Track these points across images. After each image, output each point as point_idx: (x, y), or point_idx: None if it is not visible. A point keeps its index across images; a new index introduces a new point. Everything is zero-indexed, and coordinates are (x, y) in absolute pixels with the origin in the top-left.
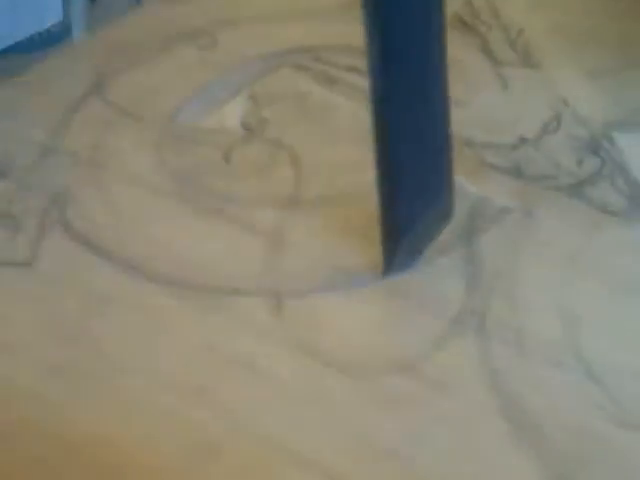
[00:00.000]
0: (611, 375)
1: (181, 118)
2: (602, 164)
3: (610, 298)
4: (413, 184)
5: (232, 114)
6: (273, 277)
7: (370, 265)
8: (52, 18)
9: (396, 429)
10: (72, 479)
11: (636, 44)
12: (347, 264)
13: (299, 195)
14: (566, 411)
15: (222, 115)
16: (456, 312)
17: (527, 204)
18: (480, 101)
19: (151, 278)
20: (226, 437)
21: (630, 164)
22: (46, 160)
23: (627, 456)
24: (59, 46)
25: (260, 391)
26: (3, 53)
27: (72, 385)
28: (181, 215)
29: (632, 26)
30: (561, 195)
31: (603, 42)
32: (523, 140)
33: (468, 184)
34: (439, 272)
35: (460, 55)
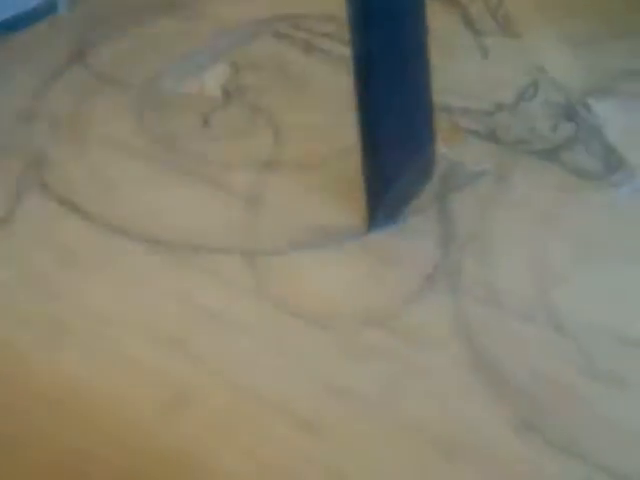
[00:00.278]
0: (580, 330)
1: (162, 85)
2: (577, 130)
3: (581, 257)
4: (396, 138)
5: (212, 80)
6: (249, 235)
7: (346, 225)
8: None
9: (366, 379)
10: (39, 425)
11: (614, 15)
12: (323, 224)
13: (277, 158)
14: (536, 363)
15: (202, 81)
16: (430, 269)
17: (502, 168)
18: (458, 69)
19: (128, 236)
20: (198, 386)
21: (605, 129)
22: (26, 125)
23: (592, 405)
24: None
25: (232, 342)
26: None
27: (43, 336)
28: (160, 177)
29: None
30: (536, 159)
31: (582, 13)
32: (500, 106)
33: (444, 148)
34: (414, 231)
35: (441, 25)
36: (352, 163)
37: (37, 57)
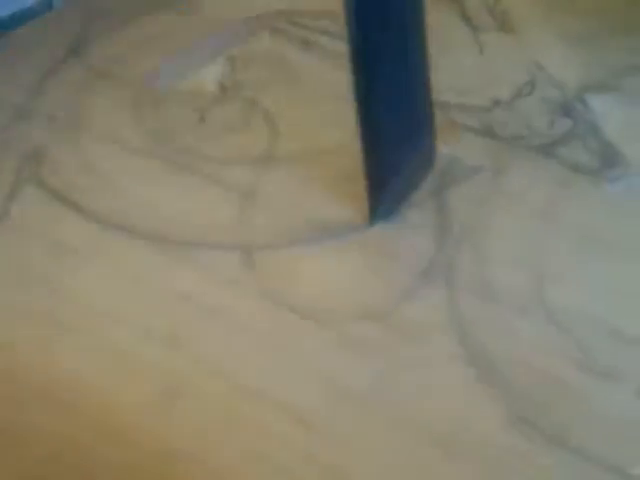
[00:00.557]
0: (577, 325)
1: (159, 80)
2: (574, 125)
3: (577, 252)
4: (396, 130)
5: (209, 76)
6: (245, 231)
7: (343, 219)
8: None
9: (362, 374)
10: (37, 421)
11: (612, 11)
12: (320, 219)
13: (273, 153)
14: (531, 358)
15: (199, 77)
16: (426, 264)
17: (498, 163)
18: (455, 64)
19: (126, 231)
20: (196, 382)
21: (602, 125)
22: (22, 120)
23: (589, 400)
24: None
25: (229, 337)
26: None
27: (39, 333)
28: (156, 172)
29: None
30: (533, 154)
31: (580, 9)
32: (496, 102)
33: (440, 144)
34: (410, 226)
35: (437, 20)
36: (349, 158)
37: (34, 53)
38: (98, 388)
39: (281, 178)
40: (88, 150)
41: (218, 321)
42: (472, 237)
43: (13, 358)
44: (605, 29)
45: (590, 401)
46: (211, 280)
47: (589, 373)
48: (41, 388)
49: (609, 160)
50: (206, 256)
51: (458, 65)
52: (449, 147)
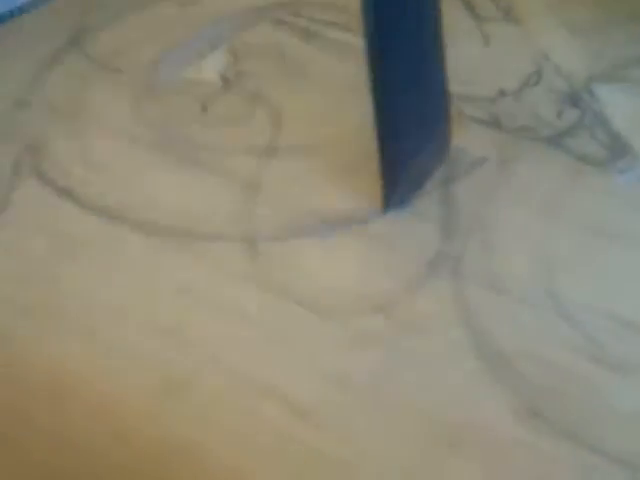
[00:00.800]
0: (585, 316)
1: (160, 71)
2: (582, 116)
3: (585, 243)
4: (412, 117)
5: (211, 67)
6: (249, 222)
7: (348, 210)
8: None
9: (365, 366)
10: (38, 417)
11: (619, 1)
12: (324, 210)
13: (276, 144)
14: (539, 350)
15: (201, 68)
16: (432, 255)
17: (505, 154)
18: (461, 55)
19: (127, 222)
20: (196, 374)
21: (610, 116)
22: (21, 112)
23: (597, 391)
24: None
25: (230, 329)
26: None
27: (41, 325)
28: (158, 163)
29: None
30: (540, 145)
31: None
32: (503, 93)
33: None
34: (416, 217)
35: (443, 11)
36: (353, 149)
37: (34, 44)
38: (101, 381)
39: (284, 169)
40: (89, 141)
41: (221, 313)
42: (479, 228)
43: (14, 351)
44: (612, 18)
45: (601, 393)
46: (214, 272)
47: (600, 365)
48: (40, 382)
49: (617, 151)
50: (209, 248)
51: (463, 56)
52: (456, 138)
